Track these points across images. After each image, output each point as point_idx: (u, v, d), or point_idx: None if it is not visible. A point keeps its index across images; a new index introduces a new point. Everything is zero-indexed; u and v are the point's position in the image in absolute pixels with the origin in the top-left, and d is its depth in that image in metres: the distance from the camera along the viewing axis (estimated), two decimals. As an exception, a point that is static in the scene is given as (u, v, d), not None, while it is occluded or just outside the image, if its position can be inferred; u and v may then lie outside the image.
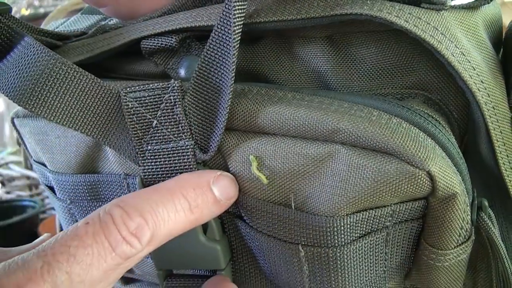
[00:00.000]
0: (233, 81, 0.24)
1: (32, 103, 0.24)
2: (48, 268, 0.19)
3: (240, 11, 0.24)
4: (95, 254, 0.20)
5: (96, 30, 0.31)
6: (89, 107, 0.25)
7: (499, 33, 0.28)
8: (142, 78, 0.32)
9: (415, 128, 0.23)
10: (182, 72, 0.29)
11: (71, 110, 0.25)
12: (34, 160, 0.34)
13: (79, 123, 0.25)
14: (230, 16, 0.24)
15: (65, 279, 0.19)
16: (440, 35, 0.23)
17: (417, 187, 0.22)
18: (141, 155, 0.26)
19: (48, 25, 0.37)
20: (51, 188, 0.33)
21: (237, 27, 0.24)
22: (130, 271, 0.35)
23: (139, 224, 0.22)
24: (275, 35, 0.28)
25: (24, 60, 0.24)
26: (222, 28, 0.24)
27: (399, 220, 0.24)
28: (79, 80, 0.25)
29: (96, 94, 0.25)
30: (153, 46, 0.28)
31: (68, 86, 0.24)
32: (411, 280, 0.27)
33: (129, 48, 0.30)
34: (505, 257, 0.25)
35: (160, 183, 0.25)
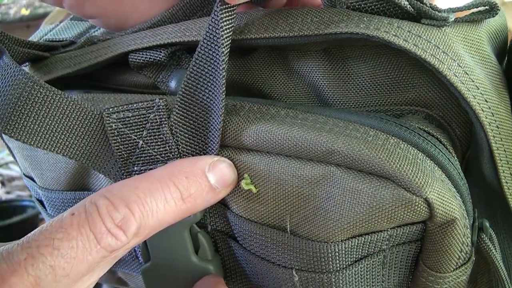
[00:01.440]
0: (224, 99, 0.23)
1: (11, 128, 0.23)
2: (32, 261, 0.19)
3: (228, 24, 0.23)
4: (79, 247, 0.20)
5: (84, 42, 0.30)
6: (70, 130, 0.24)
7: (505, 42, 0.27)
8: (133, 88, 0.31)
9: (413, 148, 0.22)
10: (172, 86, 0.28)
11: (52, 134, 0.24)
12: (24, 174, 0.33)
13: (61, 146, 0.24)
14: (217, 30, 0.23)
15: (49, 272, 0.19)
16: (442, 53, 0.22)
17: (414, 213, 0.21)
18: (127, 176, 0.25)
19: (36, 32, 0.35)
20: (41, 202, 0.33)
21: (225, 41, 0.23)
22: (123, 283, 0.35)
23: (125, 215, 0.21)
24: (268, 47, 0.27)
25: (1, 82, 0.23)
26: (209, 43, 0.23)
27: (397, 243, 0.23)
28: (59, 103, 0.23)
29: (77, 117, 0.24)
30: (141, 60, 0.27)
31: (48, 110, 0.23)
32: (409, 300, 0.27)
33: (119, 58, 0.29)
34: (505, 278, 0.24)
35: (150, 171, 0.23)
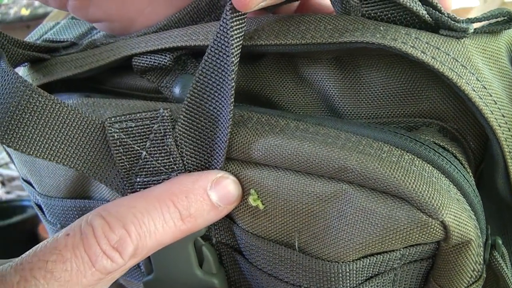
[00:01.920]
0: (232, 110, 0.22)
1: (9, 137, 0.22)
2: (25, 283, 0.18)
3: (238, 32, 0.22)
4: (73, 269, 0.19)
5: (87, 45, 0.29)
6: (71, 139, 0.23)
7: None
8: (135, 92, 0.30)
9: (428, 166, 0.21)
10: (176, 91, 0.27)
11: (52, 143, 0.23)
12: (22, 179, 0.32)
13: (61, 156, 0.23)
14: (227, 39, 0.22)
15: None
16: (461, 67, 0.21)
17: (429, 235, 0.20)
18: (130, 187, 0.24)
19: (36, 29, 0.34)
20: (40, 207, 0.32)
21: (235, 50, 0.22)
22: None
23: (121, 236, 0.20)
24: (278, 53, 0.26)
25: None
26: (218, 51, 0.22)
27: (408, 261, 0.23)
28: (58, 112, 0.23)
29: (77, 126, 0.23)
30: (145, 64, 0.26)
31: (47, 119, 0.22)
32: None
33: (122, 62, 0.28)
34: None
35: (149, 189, 0.23)
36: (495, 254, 0.23)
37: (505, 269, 0.23)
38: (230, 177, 0.23)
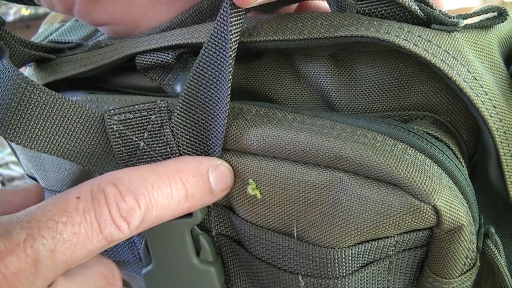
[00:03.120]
0: (228, 102, 0.23)
1: (12, 132, 0.23)
2: (32, 242, 0.18)
3: (236, 28, 0.23)
4: (82, 233, 0.19)
5: (92, 46, 0.30)
6: (71, 132, 0.24)
7: None
8: (137, 91, 0.30)
9: (421, 154, 0.22)
10: (178, 88, 0.28)
11: (53, 137, 0.23)
12: (27, 175, 0.33)
13: (62, 149, 0.24)
14: (225, 34, 0.23)
15: (48, 256, 0.18)
16: (452, 59, 0.22)
17: (422, 220, 0.21)
18: None
19: (42, 30, 0.35)
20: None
21: (233, 44, 0.23)
22: (127, 284, 0.35)
23: (131, 207, 0.20)
24: (275, 52, 0.27)
25: (0, 87, 0.23)
26: (215, 45, 0.23)
27: (403, 248, 0.23)
28: (59, 107, 0.23)
29: (78, 119, 0.24)
30: (148, 62, 0.27)
31: (48, 113, 0.23)
32: (414, 306, 0.27)
33: (126, 62, 0.29)
34: (510, 285, 0.24)
35: (159, 163, 0.23)
36: (488, 243, 0.24)
37: (498, 258, 0.24)
38: (227, 165, 0.24)
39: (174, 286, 0.26)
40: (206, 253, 0.26)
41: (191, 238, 0.25)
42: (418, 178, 0.20)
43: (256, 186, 0.24)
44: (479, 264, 0.24)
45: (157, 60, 0.27)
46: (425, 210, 0.20)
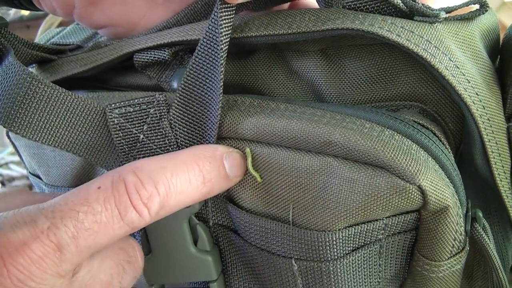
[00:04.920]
0: (221, 93, 0.24)
1: (17, 125, 0.24)
2: (55, 230, 0.20)
3: (227, 22, 0.24)
4: (103, 222, 0.20)
5: (92, 47, 0.31)
6: (74, 126, 0.25)
7: (497, 41, 0.28)
8: (136, 90, 0.32)
9: (407, 140, 0.23)
10: (175, 85, 0.29)
11: (57, 130, 0.24)
12: (30, 172, 0.34)
13: (65, 142, 0.25)
14: (217, 28, 0.24)
15: (71, 242, 0.20)
16: (434, 48, 0.23)
17: (408, 201, 0.22)
18: None
19: (43, 35, 0.37)
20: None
21: (224, 38, 0.24)
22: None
23: (151, 194, 0.21)
24: (268, 49, 0.28)
25: (7, 81, 0.24)
26: (209, 40, 0.24)
27: (392, 232, 0.24)
28: (63, 101, 0.24)
29: (80, 113, 0.25)
30: (146, 60, 0.28)
31: (52, 107, 0.24)
32: (406, 291, 0.27)
33: (124, 62, 0.30)
34: (499, 267, 0.25)
35: (176, 152, 0.24)
36: (476, 226, 0.24)
37: (487, 240, 0.24)
38: (240, 152, 0.25)
39: (172, 274, 0.27)
40: (204, 242, 0.26)
41: (189, 228, 0.26)
42: (404, 160, 0.21)
43: (252, 161, 0.25)
44: (468, 249, 0.25)
45: (154, 57, 0.28)
46: (411, 191, 0.21)
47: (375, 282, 0.26)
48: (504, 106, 0.26)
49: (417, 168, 0.21)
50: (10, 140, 0.33)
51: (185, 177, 0.23)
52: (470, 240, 0.25)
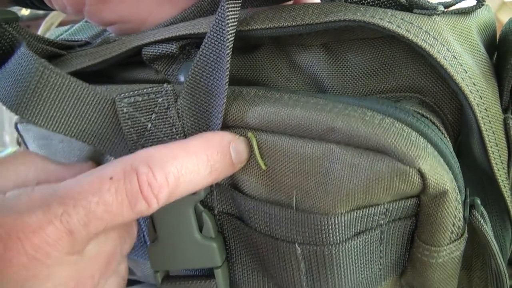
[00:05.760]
0: (227, 83, 0.25)
1: (29, 112, 0.25)
2: (68, 218, 0.21)
3: (233, 14, 0.25)
4: (113, 211, 0.22)
5: (101, 42, 0.32)
6: (84, 114, 0.26)
7: (493, 36, 0.29)
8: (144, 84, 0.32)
9: (407, 127, 0.24)
10: (181, 78, 0.29)
11: (67, 118, 0.25)
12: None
13: (75, 130, 0.26)
14: (224, 20, 0.25)
15: (83, 228, 0.21)
16: (432, 39, 0.23)
17: (409, 184, 0.22)
18: None
19: (51, 32, 0.37)
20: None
21: (231, 28, 0.25)
22: (131, 272, 0.36)
23: (161, 184, 0.22)
24: (272, 44, 0.29)
25: (20, 70, 0.25)
26: (216, 33, 0.25)
27: (393, 218, 0.25)
28: (74, 89, 0.25)
29: (91, 102, 0.26)
30: (154, 53, 0.29)
31: (64, 96, 0.25)
32: (406, 279, 0.28)
33: (130, 58, 0.31)
34: (497, 253, 0.26)
35: (185, 140, 0.25)
36: (474, 213, 0.25)
37: (485, 227, 0.25)
38: (244, 138, 0.26)
39: (178, 260, 0.27)
40: (209, 229, 0.27)
41: (194, 215, 0.27)
42: (404, 145, 0.22)
43: (257, 144, 0.25)
44: (467, 236, 0.26)
45: (162, 51, 0.29)
46: (411, 174, 0.22)
47: (376, 268, 0.26)
48: (500, 99, 0.26)
49: (416, 153, 0.22)
50: (18, 133, 0.34)
51: (194, 168, 0.23)
52: (468, 227, 0.26)
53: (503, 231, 0.29)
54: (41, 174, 0.26)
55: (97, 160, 0.30)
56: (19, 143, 0.38)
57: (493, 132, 0.25)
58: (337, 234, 0.24)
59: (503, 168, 0.27)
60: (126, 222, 0.23)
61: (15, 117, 0.35)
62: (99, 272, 0.23)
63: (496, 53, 0.29)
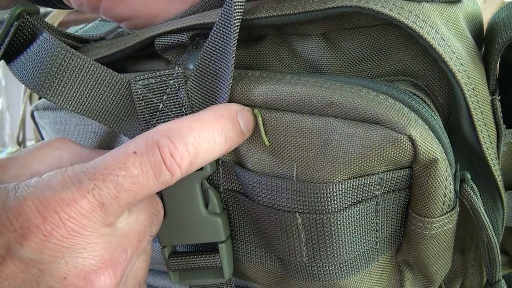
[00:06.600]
0: (233, 64, 0.27)
1: (51, 93, 0.27)
2: (99, 191, 0.23)
3: (240, 6, 0.27)
4: (140, 183, 0.23)
5: (115, 35, 0.34)
6: (102, 95, 0.28)
7: (480, 28, 0.31)
8: None
9: (400, 103, 0.25)
10: (191, 66, 0.32)
11: (86, 99, 0.27)
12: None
13: (93, 111, 0.28)
14: (231, 10, 0.27)
15: (113, 201, 0.23)
16: (422, 21, 0.26)
17: (400, 151, 0.24)
18: None
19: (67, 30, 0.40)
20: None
21: (237, 15, 0.27)
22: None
23: (183, 154, 0.24)
24: (274, 34, 0.31)
25: (42, 54, 0.27)
26: (223, 21, 0.27)
27: (387, 189, 0.26)
28: (93, 72, 0.27)
29: (108, 84, 0.28)
30: (166, 43, 0.31)
31: (83, 78, 0.27)
32: (402, 255, 0.29)
33: (142, 51, 0.33)
34: (489, 226, 0.27)
35: (198, 113, 0.27)
36: (465, 187, 0.27)
37: (475, 199, 0.27)
38: (249, 108, 0.28)
39: (184, 235, 0.29)
40: (214, 205, 0.29)
41: (201, 191, 0.29)
42: (396, 115, 0.24)
43: (261, 115, 0.27)
44: (458, 209, 0.27)
45: (173, 40, 0.31)
46: (402, 140, 0.24)
47: (373, 241, 0.28)
48: (488, 82, 0.28)
49: (407, 122, 0.24)
50: (34, 120, 0.36)
51: (211, 137, 0.25)
52: (461, 207, 0.27)
53: (495, 211, 0.31)
54: (74, 157, 0.28)
55: (110, 143, 0.32)
56: (19, 143, 0.40)
57: (481, 112, 0.27)
58: (335, 202, 0.25)
59: (492, 148, 0.28)
60: (153, 193, 0.24)
61: (16, 117, 0.37)
62: (132, 247, 0.25)
63: (484, 47, 0.31)
